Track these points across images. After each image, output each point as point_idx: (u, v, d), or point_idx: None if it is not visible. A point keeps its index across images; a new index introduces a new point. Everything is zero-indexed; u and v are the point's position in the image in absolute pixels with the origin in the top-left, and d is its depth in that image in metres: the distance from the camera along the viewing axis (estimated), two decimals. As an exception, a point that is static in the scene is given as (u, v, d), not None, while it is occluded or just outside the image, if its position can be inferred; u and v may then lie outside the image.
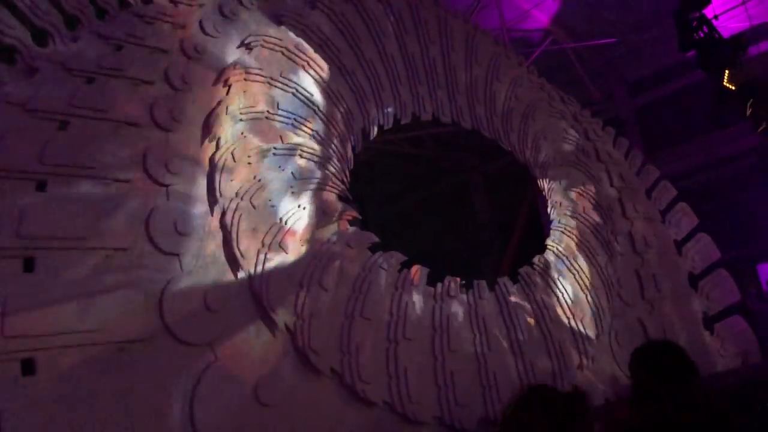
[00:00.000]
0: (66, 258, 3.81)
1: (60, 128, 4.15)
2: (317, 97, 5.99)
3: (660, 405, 2.83)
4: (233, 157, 4.89)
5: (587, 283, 7.36)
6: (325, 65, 6.22)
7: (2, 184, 3.76)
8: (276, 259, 4.82)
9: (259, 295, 4.57)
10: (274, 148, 5.31)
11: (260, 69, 5.53)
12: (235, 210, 4.71)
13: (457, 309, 5.97)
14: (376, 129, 6.78)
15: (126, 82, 4.60)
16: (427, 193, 14.68)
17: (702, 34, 10.11)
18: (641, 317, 7.71)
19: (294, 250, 5.03)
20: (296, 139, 5.57)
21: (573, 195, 8.25)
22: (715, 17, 10.68)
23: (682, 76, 14.50)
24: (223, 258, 4.58)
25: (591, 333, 6.97)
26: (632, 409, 3.16)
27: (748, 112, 10.46)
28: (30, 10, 4.29)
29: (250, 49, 5.60)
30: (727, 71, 10.36)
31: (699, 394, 2.93)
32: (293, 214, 5.16)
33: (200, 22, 5.38)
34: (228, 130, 5.01)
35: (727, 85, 10.44)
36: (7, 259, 3.63)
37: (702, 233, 9.16)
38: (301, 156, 5.53)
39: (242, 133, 5.10)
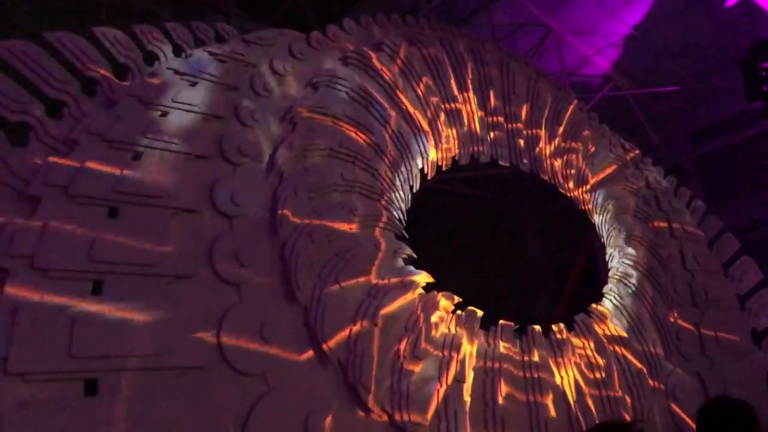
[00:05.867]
0: (132, 283, 3.97)
1: (134, 158, 4.37)
2: (378, 136, 6.10)
3: None
4: (295, 192, 5.01)
5: (644, 335, 7.17)
6: (386, 105, 6.34)
7: (78, 209, 3.96)
8: (331, 294, 4.86)
9: (313, 328, 4.62)
10: (335, 185, 5.42)
11: (325, 108, 5.69)
12: (295, 243, 4.80)
13: (510, 354, 5.89)
14: (434, 169, 6.84)
15: (198, 116, 4.83)
16: (481, 233, 14.61)
17: (771, 86, 9.90)
18: (700, 372, 7.43)
19: (349, 286, 5.06)
20: (357, 177, 5.67)
21: (632, 243, 8.08)
22: (786, 68, 10.42)
23: (745, 126, 14.15)
24: (280, 290, 4.66)
25: (646, 385, 6.76)
26: None
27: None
28: (113, 47, 4.58)
29: (317, 88, 5.78)
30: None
31: None
32: (350, 250, 5.21)
33: (270, 61, 5.61)
34: (292, 165, 5.16)
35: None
36: (77, 281, 3.80)
37: (767, 289, 8.81)
38: (360, 194, 5.62)
39: (305, 170, 5.24)
